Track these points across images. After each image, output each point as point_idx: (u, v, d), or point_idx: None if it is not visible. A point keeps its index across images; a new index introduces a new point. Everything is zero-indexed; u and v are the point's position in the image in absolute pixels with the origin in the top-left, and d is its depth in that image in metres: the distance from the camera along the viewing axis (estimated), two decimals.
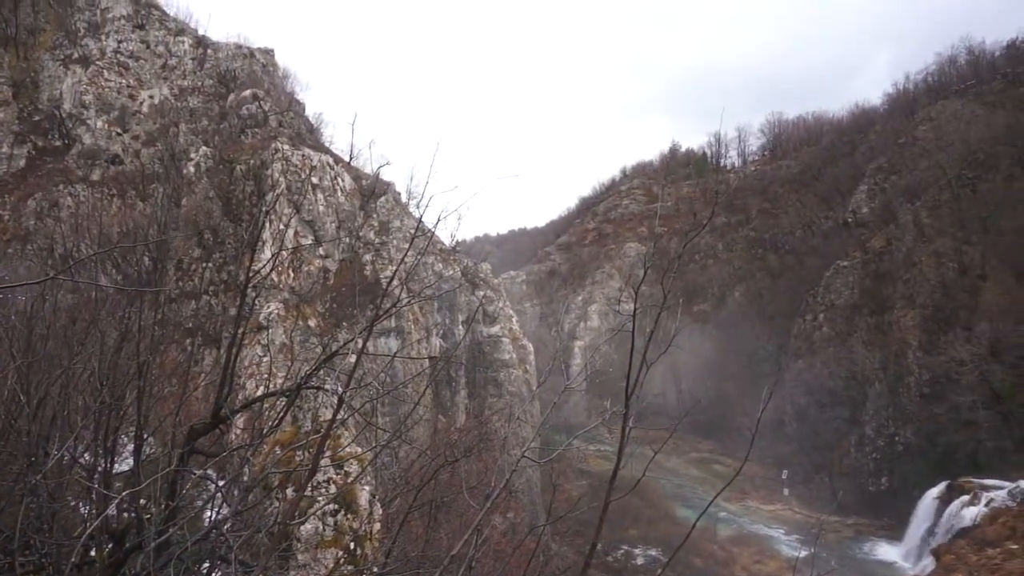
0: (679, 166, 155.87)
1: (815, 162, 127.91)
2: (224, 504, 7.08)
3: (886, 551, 64.01)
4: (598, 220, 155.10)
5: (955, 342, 74.36)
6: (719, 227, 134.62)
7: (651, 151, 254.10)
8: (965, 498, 50.46)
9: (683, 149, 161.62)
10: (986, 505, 47.90)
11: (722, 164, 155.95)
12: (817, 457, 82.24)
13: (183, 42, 72.04)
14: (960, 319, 77.68)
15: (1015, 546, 40.20)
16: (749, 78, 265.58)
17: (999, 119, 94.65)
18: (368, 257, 56.46)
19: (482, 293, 65.51)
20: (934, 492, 55.15)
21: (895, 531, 62.48)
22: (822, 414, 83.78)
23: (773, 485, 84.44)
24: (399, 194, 63.00)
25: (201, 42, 73.56)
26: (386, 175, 66.84)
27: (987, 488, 50.08)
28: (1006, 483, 49.19)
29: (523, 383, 62.11)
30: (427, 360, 48.52)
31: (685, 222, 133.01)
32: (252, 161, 57.67)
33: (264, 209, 50.46)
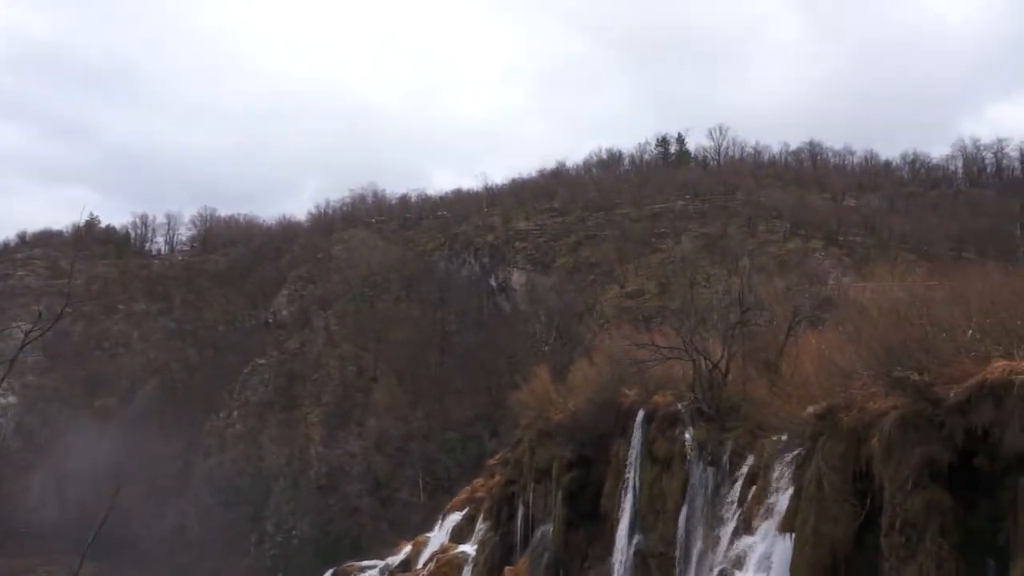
0: (97, 242, 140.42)
1: (244, 261, 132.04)
2: None
3: None
4: None
5: (349, 437, 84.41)
6: (136, 314, 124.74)
7: (63, 220, 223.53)
8: None
9: (103, 224, 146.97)
10: None
11: (147, 248, 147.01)
12: (218, 561, 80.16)
13: None
14: (355, 416, 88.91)
15: None
16: (187, 168, 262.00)
17: (394, 251, 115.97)
18: None
19: None
20: None
21: None
22: (227, 514, 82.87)
23: None
24: None
25: None
26: None
27: (364, 569, 56.82)
28: (378, 562, 56.77)
29: None
30: None
31: (96, 305, 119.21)
32: None
33: None
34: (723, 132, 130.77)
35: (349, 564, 58.66)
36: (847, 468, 17.65)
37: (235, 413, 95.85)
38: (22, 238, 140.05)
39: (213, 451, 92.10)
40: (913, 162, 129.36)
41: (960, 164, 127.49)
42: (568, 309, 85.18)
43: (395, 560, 53.98)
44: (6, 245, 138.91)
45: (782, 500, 21.29)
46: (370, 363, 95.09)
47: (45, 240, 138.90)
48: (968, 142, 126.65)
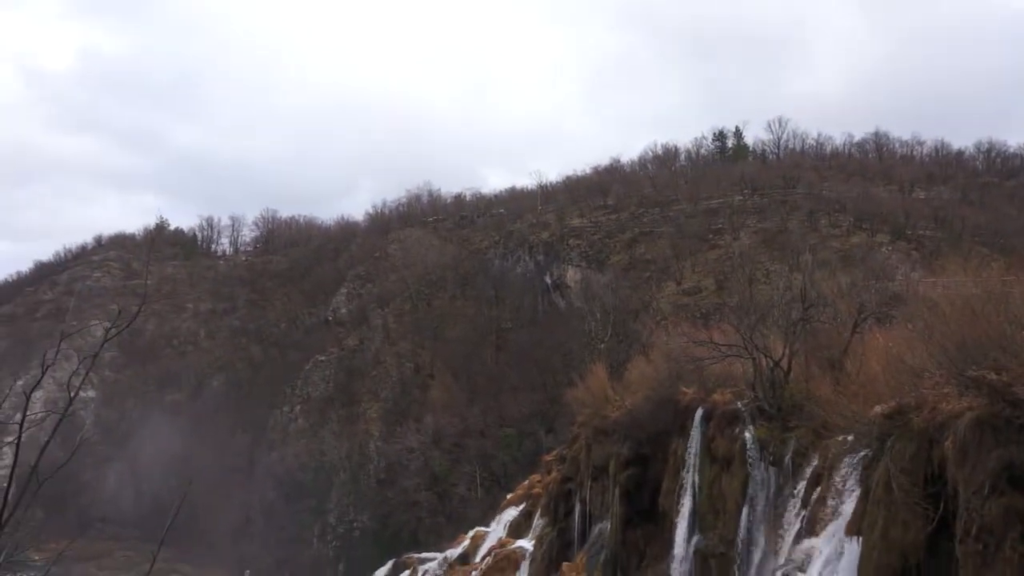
0: (166, 244, 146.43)
1: (304, 261, 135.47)
2: None
3: None
4: (58, 291, 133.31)
5: (407, 432, 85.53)
6: (203, 313, 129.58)
7: (135, 224, 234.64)
8: (406, 573, 57.00)
9: (172, 228, 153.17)
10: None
11: (213, 249, 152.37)
12: (281, 552, 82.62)
13: None
14: (413, 412, 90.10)
15: None
16: (247, 171, 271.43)
17: (449, 250, 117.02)
18: None
19: None
20: (382, 572, 60.76)
21: None
22: (289, 507, 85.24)
23: None
24: None
25: None
26: None
27: (423, 561, 57.62)
28: (437, 554, 57.48)
29: None
30: None
31: (166, 304, 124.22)
32: None
33: None
34: (782, 124, 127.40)
35: (408, 556, 59.57)
36: (918, 471, 17.07)
37: (297, 408, 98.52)
38: (98, 241, 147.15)
39: (276, 445, 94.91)
40: (988, 151, 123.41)
41: None
42: (623, 306, 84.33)
43: (454, 553, 54.58)
44: (83, 248, 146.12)
45: (848, 502, 20.73)
46: (427, 360, 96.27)
47: (119, 243, 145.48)
48: None
